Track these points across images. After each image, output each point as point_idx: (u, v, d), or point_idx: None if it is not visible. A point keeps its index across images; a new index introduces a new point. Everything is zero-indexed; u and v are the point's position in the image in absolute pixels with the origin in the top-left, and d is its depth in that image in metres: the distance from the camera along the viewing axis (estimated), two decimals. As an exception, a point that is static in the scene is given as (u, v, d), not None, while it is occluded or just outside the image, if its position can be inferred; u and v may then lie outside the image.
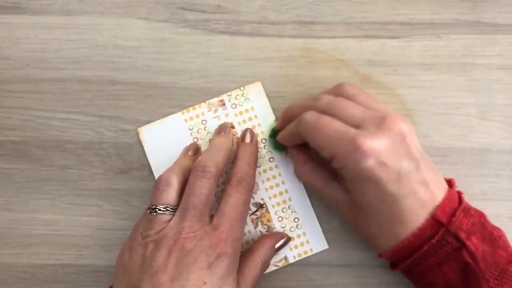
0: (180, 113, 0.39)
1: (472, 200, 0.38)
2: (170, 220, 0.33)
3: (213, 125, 0.39)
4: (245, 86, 0.39)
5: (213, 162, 0.34)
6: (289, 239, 0.38)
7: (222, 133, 0.37)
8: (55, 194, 0.39)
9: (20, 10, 0.39)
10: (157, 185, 0.34)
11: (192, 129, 0.39)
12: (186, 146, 0.38)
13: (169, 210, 0.33)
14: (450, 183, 0.34)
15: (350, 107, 0.32)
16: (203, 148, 0.39)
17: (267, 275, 0.38)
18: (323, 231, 0.38)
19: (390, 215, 0.31)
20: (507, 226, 0.38)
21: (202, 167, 0.34)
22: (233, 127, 0.39)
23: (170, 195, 0.34)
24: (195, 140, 0.39)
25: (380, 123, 0.31)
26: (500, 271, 0.30)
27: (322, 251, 0.38)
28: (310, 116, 0.33)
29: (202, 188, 0.33)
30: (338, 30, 0.39)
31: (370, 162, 0.30)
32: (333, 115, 0.32)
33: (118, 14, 0.39)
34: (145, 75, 0.39)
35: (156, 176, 0.38)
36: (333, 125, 0.31)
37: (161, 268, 0.31)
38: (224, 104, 0.39)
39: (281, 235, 0.38)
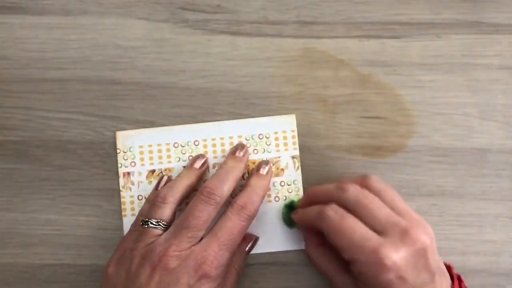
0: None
1: (472, 200, 0.38)
2: (161, 235, 0.33)
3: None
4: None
5: (220, 189, 0.34)
6: (257, 239, 0.38)
7: (237, 154, 0.37)
8: (55, 194, 0.39)
9: (20, 10, 0.39)
10: (155, 199, 0.35)
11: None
12: (194, 156, 0.38)
13: (161, 225, 0.34)
14: (448, 268, 0.34)
15: (376, 208, 0.32)
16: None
17: (267, 275, 0.38)
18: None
19: None
20: (507, 226, 0.38)
21: (208, 193, 0.34)
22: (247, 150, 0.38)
23: (165, 210, 0.34)
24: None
25: (404, 234, 0.30)
26: None
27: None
28: (334, 213, 0.32)
29: (203, 212, 0.33)
30: (338, 30, 0.39)
31: (390, 276, 0.30)
32: (357, 214, 0.32)
33: (118, 14, 0.39)
34: (145, 75, 0.39)
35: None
36: (357, 229, 0.31)
37: (143, 285, 0.31)
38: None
39: (249, 237, 0.38)
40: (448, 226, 0.38)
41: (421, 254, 0.31)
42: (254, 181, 0.36)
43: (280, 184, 0.38)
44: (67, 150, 0.39)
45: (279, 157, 0.38)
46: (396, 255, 0.30)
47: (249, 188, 0.36)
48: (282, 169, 0.38)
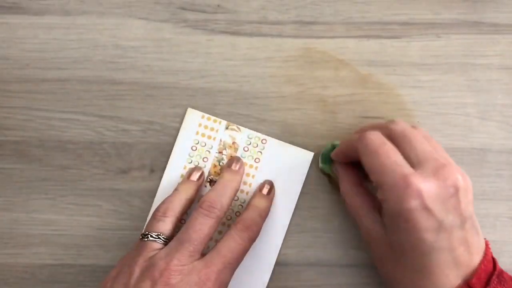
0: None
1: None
2: (161, 249, 0.33)
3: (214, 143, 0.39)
4: (267, 140, 0.38)
5: (219, 202, 0.34)
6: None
7: (233, 167, 0.37)
8: (55, 194, 0.39)
9: (20, 10, 0.39)
10: (154, 214, 0.34)
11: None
12: (189, 169, 0.38)
13: (160, 239, 0.33)
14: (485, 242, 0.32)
15: (419, 143, 0.31)
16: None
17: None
18: (324, 230, 0.38)
19: (420, 265, 0.30)
20: (507, 226, 0.38)
21: (208, 206, 0.34)
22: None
23: (166, 224, 0.34)
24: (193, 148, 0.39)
25: (438, 168, 0.30)
26: None
27: (321, 252, 0.38)
28: (375, 137, 0.31)
29: (203, 225, 0.33)
30: (338, 30, 0.39)
31: (414, 203, 0.29)
32: (398, 145, 0.31)
33: (118, 14, 0.39)
34: (145, 75, 0.39)
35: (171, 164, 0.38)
36: (392, 156, 0.30)
37: None
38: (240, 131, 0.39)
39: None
40: (448, 226, 0.38)
41: (452, 193, 0.29)
42: (257, 201, 0.36)
43: None
44: (67, 150, 0.39)
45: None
46: (423, 184, 0.29)
47: (253, 208, 0.36)
48: None
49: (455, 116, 0.39)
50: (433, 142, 0.32)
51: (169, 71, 0.39)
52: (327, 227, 0.38)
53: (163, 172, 0.38)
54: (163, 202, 0.35)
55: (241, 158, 0.38)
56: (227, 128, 0.39)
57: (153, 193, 0.39)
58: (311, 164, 0.38)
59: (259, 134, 0.38)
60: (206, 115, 0.39)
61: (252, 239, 0.34)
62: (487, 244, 0.32)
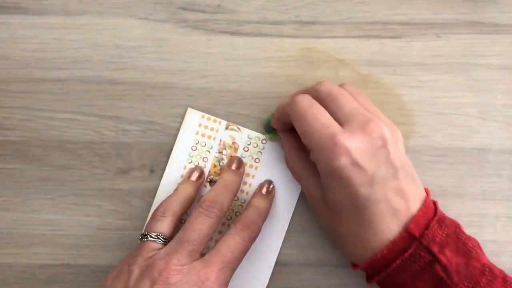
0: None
1: (472, 200, 0.38)
2: (160, 249, 0.33)
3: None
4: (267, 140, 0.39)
5: (219, 202, 0.34)
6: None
7: (233, 167, 0.37)
8: (55, 194, 0.39)
9: (20, 10, 0.39)
10: (154, 214, 0.34)
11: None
12: (189, 169, 0.38)
13: (160, 239, 0.33)
14: (425, 192, 0.33)
15: (346, 101, 0.32)
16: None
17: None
18: (322, 231, 0.38)
19: (360, 219, 0.31)
20: (507, 226, 0.38)
21: (207, 206, 0.34)
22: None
23: (165, 224, 0.34)
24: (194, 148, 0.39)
25: (364, 123, 0.30)
26: (474, 283, 0.30)
27: (321, 252, 0.38)
28: (303, 100, 0.32)
29: (203, 225, 0.33)
30: (338, 30, 0.39)
31: (343, 161, 0.30)
32: (326, 105, 0.32)
33: (118, 14, 0.39)
34: (145, 75, 0.39)
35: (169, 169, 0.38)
36: (320, 117, 0.31)
37: None
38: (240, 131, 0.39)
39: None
40: (448, 226, 0.38)
41: (380, 145, 0.30)
42: (257, 201, 0.36)
43: None
44: (67, 150, 0.39)
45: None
46: (350, 141, 0.30)
47: (253, 208, 0.36)
48: None
49: (455, 116, 0.39)
50: (361, 97, 0.33)
51: (169, 71, 0.39)
52: (327, 227, 0.38)
53: (163, 172, 0.38)
54: (162, 202, 0.35)
55: (242, 159, 0.38)
56: (227, 128, 0.39)
57: (153, 193, 0.39)
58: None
59: (259, 134, 0.38)
60: (206, 115, 0.39)
61: (252, 239, 0.34)
62: (427, 192, 0.33)
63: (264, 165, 0.38)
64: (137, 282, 0.31)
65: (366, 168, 0.30)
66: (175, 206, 0.35)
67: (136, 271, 0.32)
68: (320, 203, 0.33)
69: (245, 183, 0.38)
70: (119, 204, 0.39)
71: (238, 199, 0.38)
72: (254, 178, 0.38)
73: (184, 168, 0.38)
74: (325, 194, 0.32)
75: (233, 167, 0.37)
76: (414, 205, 0.31)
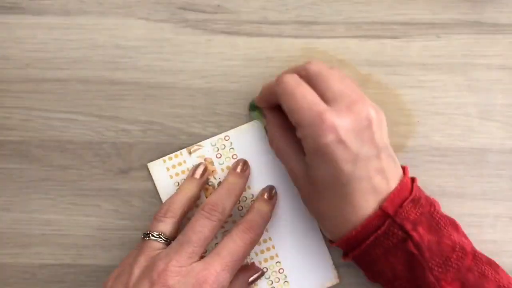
0: (161, 160, 0.38)
1: (472, 200, 0.38)
2: (162, 249, 0.33)
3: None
4: (229, 134, 0.38)
5: (221, 205, 0.34)
6: (263, 272, 0.38)
7: (238, 170, 0.37)
8: (55, 194, 0.39)
9: (20, 10, 0.39)
10: (157, 214, 0.35)
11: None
12: (193, 167, 0.38)
13: (161, 238, 0.33)
14: (403, 170, 0.34)
15: (334, 81, 0.32)
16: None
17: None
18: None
19: (342, 195, 0.31)
20: (507, 226, 0.38)
21: (209, 209, 0.34)
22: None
23: (167, 225, 0.34)
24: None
25: (351, 104, 0.31)
26: (444, 259, 0.31)
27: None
28: (291, 79, 0.33)
29: (204, 227, 0.33)
30: (338, 30, 0.39)
31: (330, 138, 0.30)
32: (315, 85, 0.32)
33: (118, 14, 0.39)
34: (145, 75, 0.39)
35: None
36: (308, 95, 0.32)
37: None
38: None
39: (254, 268, 0.37)
40: (448, 226, 0.38)
41: (366, 126, 0.31)
42: (260, 205, 0.36)
43: None
44: (67, 150, 0.39)
45: None
46: (337, 119, 0.30)
47: (255, 211, 0.36)
48: None
49: (455, 116, 0.39)
50: (348, 81, 0.33)
51: (169, 71, 0.39)
52: (327, 227, 0.38)
53: (163, 172, 0.38)
54: (165, 202, 0.35)
55: (247, 161, 0.38)
56: (190, 153, 0.38)
57: (153, 193, 0.39)
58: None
59: (219, 136, 0.38)
60: (166, 157, 0.38)
61: (254, 241, 0.34)
62: (405, 172, 0.34)
63: (243, 157, 0.38)
64: (136, 283, 0.31)
65: (351, 146, 0.30)
66: (176, 207, 0.35)
67: (136, 272, 0.32)
68: (303, 180, 0.34)
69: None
70: (119, 204, 0.39)
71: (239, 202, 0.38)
72: None
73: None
74: (308, 171, 0.33)
75: (238, 169, 0.37)
76: (393, 184, 0.32)
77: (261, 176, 0.38)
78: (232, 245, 0.33)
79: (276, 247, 0.38)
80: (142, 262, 0.32)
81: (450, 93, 0.39)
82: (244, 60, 0.39)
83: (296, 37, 0.39)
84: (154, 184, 0.38)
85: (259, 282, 0.38)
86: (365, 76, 0.39)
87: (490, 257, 0.34)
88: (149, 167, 0.38)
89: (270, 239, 0.38)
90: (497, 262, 0.33)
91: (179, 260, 0.32)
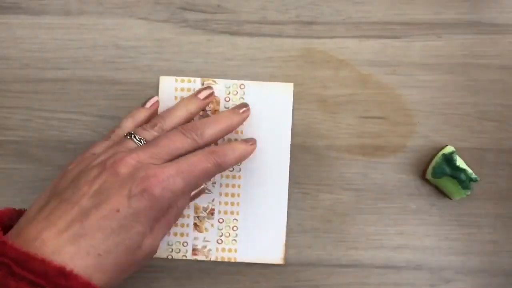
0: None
1: (472, 200, 0.38)
2: None
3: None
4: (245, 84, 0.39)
5: (201, 129, 0.33)
6: (204, 188, 0.37)
7: (238, 109, 0.36)
8: (55, 194, 0.39)
9: (20, 10, 0.39)
10: (145, 124, 0.34)
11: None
12: (201, 87, 0.38)
13: (141, 142, 0.33)
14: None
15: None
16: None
17: (267, 275, 0.38)
18: (324, 230, 0.38)
19: None
20: (507, 226, 0.38)
21: (187, 129, 0.33)
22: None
23: (150, 135, 0.33)
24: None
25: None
26: None
27: (321, 252, 0.38)
28: None
29: (176, 137, 0.32)
30: (338, 30, 0.39)
31: None
32: None
33: (118, 14, 0.39)
34: (145, 75, 0.39)
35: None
36: None
37: (87, 182, 0.30)
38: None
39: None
40: (448, 226, 0.38)
41: None
42: (239, 142, 0.35)
43: None
44: (67, 150, 0.39)
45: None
46: None
47: (230, 143, 0.35)
48: None
49: (455, 116, 0.39)
50: None
51: (169, 71, 0.39)
52: (327, 227, 0.38)
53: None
54: (159, 114, 0.34)
55: (248, 104, 0.37)
56: (203, 84, 0.38)
57: (153, 193, 0.39)
58: (310, 162, 0.38)
59: (235, 81, 0.38)
60: (179, 78, 0.38)
61: (218, 165, 0.32)
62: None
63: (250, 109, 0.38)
64: (91, 168, 0.31)
65: None
66: (168, 122, 0.34)
67: (99, 158, 0.31)
68: None
69: (236, 132, 0.38)
70: (119, 204, 0.39)
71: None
72: (243, 124, 0.38)
73: None
74: None
75: (237, 108, 0.37)
76: None
77: (252, 134, 0.38)
78: (193, 158, 0.31)
79: (241, 205, 0.38)
80: (110, 152, 0.32)
81: (450, 93, 0.39)
82: (244, 60, 0.39)
83: (296, 37, 0.39)
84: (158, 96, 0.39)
85: (209, 227, 0.38)
86: (365, 76, 0.39)
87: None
88: (160, 79, 0.38)
89: (238, 195, 0.38)
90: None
91: (140, 155, 0.31)
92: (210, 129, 0.34)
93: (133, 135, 0.33)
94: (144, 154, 0.31)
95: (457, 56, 0.39)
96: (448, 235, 0.38)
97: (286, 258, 0.38)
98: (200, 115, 0.38)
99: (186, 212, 0.38)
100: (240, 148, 0.35)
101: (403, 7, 0.39)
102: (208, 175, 0.32)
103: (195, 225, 0.38)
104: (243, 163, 0.38)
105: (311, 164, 0.38)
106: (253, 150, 0.36)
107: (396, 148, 0.38)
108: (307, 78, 0.39)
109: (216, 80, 0.38)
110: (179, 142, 0.32)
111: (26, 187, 0.39)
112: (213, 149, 0.33)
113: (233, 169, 0.38)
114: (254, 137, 0.38)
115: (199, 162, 0.31)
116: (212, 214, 0.38)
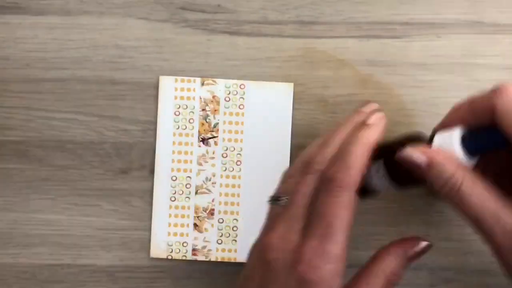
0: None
1: (472, 200, 0.38)
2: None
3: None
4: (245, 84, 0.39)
5: (347, 175, 0.26)
6: (429, 245, 0.29)
7: (370, 119, 0.28)
8: (55, 194, 0.39)
9: (20, 10, 0.39)
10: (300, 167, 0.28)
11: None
12: (363, 107, 0.30)
13: None
14: None
15: None
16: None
17: (267, 275, 0.38)
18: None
19: None
20: (507, 226, 0.38)
21: (329, 180, 0.26)
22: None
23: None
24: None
25: None
26: None
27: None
28: None
29: (335, 209, 0.26)
30: (338, 30, 0.39)
31: None
32: None
33: (118, 14, 0.39)
34: (145, 75, 0.39)
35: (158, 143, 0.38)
36: None
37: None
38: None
39: (415, 240, 0.29)
40: (448, 226, 0.38)
41: None
42: (349, 145, 0.28)
43: None
44: (67, 150, 0.39)
45: None
46: None
47: (339, 153, 0.27)
48: None
49: (455, 116, 0.39)
50: None
51: (169, 71, 0.39)
52: (327, 227, 0.38)
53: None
54: (335, 164, 0.26)
55: (375, 104, 0.30)
56: (203, 84, 0.38)
57: (153, 193, 0.39)
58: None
59: (235, 81, 0.38)
60: (179, 78, 0.38)
61: (343, 191, 0.26)
62: None
63: (249, 110, 0.38)
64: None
65: None
66: (358, 162, 0.26)
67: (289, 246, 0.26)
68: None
69: (236, 132, 0.38)
70: (119, 204, 0.39)
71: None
72: (243, 124, 0.38)
73: (173, 135, 0.38)
74: None
75: (370, 120, 0.28)
76: None
77: (252, 134, 0.38)
78: (318, 206, 0.26)
79: (241, 205, 0.38)
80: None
81: (450, 93, 0.39)
82: (244, 60, 0.39)
83: (296, 37, 0.39)
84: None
85: (209, 227, 0.38)
86: (365, 76, 0.39)
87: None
88: (160, 79, 0.38)
89: (238, 195, 0.38)
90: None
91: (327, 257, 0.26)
92: (354, 170, 0.27)
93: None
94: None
95: (457, 56, 0.39)
96: (448, 235, 0.38)
97: None
98: (200, 115, 0.38)
99: (186, 212, 0.38)
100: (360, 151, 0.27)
101: (403, 7, 0.39)
102: (350, 208, 0.27)
103: (195, 225, 0.38)
104: (243, 163, 0.38)
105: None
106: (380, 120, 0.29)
107: (396, 148, 0.38)
108: (307, 78, 0.39)
109: (216, 80, 0.38)
110: (341, 209, 0.26)
111: (26, 187, 0.39)
112: (327, 175, 0.27)
113: (233, 169, 0.38)
114: (253, 137, 0.38)
115: (326, 206, 0.27)
116: (212, 214, 0.38)
